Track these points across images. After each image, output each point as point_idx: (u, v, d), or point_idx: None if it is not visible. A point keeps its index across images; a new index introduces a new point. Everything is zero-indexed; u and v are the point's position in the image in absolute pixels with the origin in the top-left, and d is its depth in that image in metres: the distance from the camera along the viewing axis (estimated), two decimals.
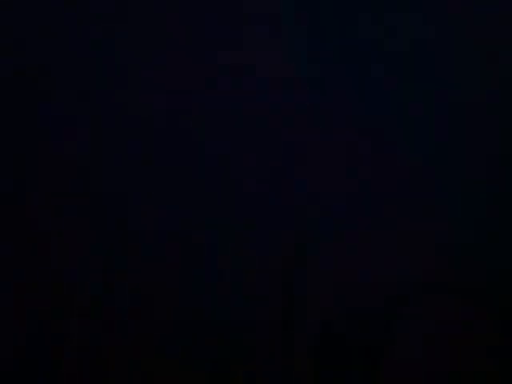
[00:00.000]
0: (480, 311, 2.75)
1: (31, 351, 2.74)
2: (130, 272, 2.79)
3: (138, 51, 2.85)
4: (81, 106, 2.84)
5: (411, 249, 2.79)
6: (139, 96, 2.84)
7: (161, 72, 2.85)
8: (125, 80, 2.84)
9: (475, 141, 2.83)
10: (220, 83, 2.85)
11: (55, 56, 2.84)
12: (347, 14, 2.85)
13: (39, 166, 2.81)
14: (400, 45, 2.85)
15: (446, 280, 2.77)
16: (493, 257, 2.78)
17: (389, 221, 2.80)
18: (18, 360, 2.74)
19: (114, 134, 2.83)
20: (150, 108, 2.84)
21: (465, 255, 2.78)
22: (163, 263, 2.79)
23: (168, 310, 2.78)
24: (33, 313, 2.76)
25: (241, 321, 2.77)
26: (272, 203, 2.81)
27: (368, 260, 2.78)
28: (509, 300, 2.75)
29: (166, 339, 2.76)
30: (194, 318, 2.77)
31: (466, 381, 2.73)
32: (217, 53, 2.83)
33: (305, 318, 2.77)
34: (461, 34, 2.85)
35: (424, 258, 2.78)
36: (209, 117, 2.84)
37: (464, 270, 2.78)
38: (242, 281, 2.78)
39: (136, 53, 2.85)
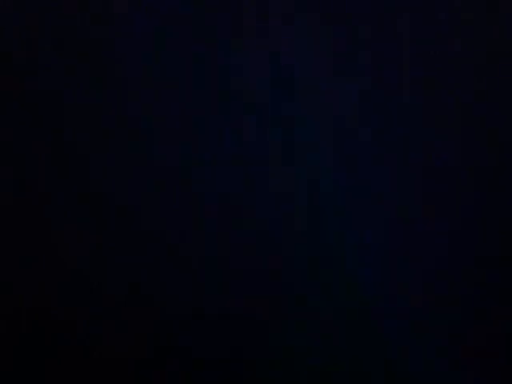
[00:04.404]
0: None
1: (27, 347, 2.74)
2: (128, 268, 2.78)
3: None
4: (82, 103, 2.83)
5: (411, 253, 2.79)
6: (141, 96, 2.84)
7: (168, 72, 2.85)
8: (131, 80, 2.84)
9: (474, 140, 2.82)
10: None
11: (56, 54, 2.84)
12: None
13: (39, 163, 2.81)
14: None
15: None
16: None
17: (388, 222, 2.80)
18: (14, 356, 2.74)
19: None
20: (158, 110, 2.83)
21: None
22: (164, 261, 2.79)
23: (168, 309, 2.77)
24: (29, 310, 2.75)
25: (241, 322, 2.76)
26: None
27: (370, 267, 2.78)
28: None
29: (164, 337, 2.76)
30: (193, 316, 2.77)
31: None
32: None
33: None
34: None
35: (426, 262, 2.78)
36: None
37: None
38: (243, 280, 2.78)
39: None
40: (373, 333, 2.75)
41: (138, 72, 2.83)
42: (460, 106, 2.82)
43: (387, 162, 2.81)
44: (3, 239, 2.77)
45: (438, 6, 2.84)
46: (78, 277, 2.76)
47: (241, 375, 2.74)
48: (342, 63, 2.83)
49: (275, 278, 2.78)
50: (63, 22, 2.84)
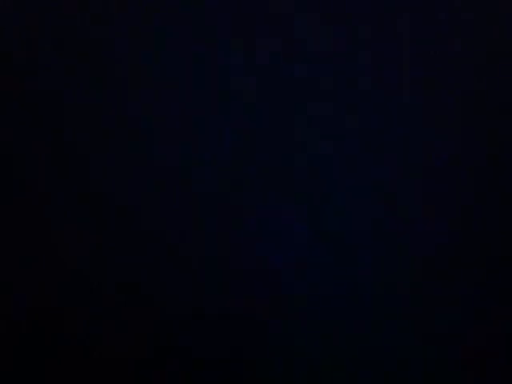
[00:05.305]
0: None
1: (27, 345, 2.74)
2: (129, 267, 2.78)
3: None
4: (81, 102, 2.84)
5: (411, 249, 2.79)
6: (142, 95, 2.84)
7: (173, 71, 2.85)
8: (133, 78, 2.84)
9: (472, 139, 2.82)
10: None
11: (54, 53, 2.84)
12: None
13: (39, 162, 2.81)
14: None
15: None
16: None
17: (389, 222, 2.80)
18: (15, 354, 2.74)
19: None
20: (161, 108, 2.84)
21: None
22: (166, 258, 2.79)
23: (168, 307, 2.77)
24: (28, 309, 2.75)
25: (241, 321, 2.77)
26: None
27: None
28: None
29: (164, 337, 2.76)
30: (194, 316, 2.77)
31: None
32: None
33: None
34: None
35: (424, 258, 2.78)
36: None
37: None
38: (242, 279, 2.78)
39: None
40: (373, 333, 2.75)
41: (138, 72, 2.83)
42: (460, 105, 2.82)
43: (387, 161, 2.81)
44: (3, 239, 2.77)
45: (437, 5, 2.84)
46: (77, 277, 2.76)
47: (241, 375, 2.74)
48: (342, 63, 2.83)
49: (275, 278, 2.78)
50: (63, 22, 2.84)
